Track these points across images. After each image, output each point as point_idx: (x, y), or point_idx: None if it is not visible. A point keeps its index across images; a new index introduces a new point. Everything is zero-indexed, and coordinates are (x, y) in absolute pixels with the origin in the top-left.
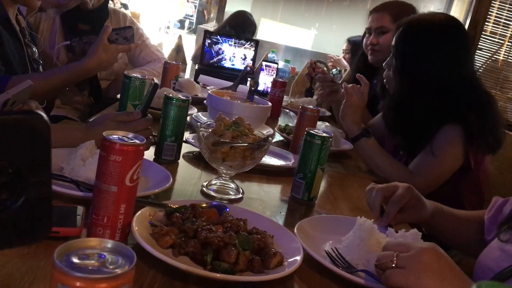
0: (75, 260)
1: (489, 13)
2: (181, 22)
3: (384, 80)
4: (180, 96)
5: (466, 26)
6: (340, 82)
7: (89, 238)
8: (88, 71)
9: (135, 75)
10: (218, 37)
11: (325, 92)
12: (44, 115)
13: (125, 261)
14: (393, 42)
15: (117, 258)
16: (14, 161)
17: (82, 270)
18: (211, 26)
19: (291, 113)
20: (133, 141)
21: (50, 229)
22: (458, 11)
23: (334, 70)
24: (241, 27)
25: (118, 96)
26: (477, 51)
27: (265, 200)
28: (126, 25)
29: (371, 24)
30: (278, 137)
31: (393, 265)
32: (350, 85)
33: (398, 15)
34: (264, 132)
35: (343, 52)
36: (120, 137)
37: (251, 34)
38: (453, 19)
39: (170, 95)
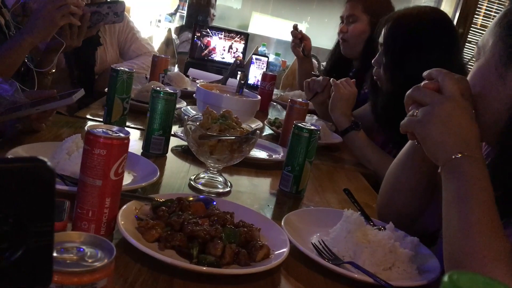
0: (53, 254)
1: (479, 6)
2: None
3: (375, 77)
4: (168, 89)
5: (456, 19)
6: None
7: (68, 232)
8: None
9: (122, 68)
10: (208, 30)
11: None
12: (49, 162)
13: (105, 255)
14: (380, 39)
15: (96, 252)
16: (16, 210)
17: (59, 263)
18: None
19: (279, 106)
20: (117, 134)
21: (50, 279)
22: (448, 4)
23: (324, 63)
24: (197, 11)
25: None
26: (467, 44)
27: (253, 193)
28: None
29: (343, 13)
30: (267, 131)
31: (414, 113)
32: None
33: (370, 6)
34: (253, 125)
35: None
36: (104, 130)
37: (206, 13)
38: (440, 12)
39: (158, 88)
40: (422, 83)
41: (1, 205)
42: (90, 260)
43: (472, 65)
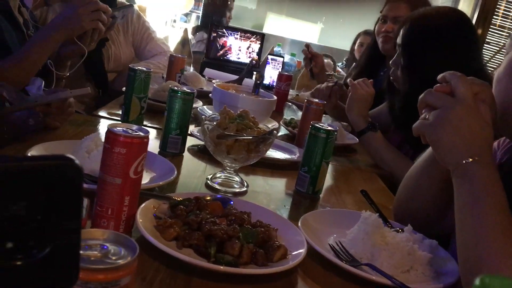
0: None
1: (498, 6)
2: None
3: (391, 78)
4: (185, 89)
5: (474, 20)
6: (346, 75)
7: (92, 229)
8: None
9: (140, 68)
10: (224, 30)
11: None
12: (76, 160)
13: (128, 253)
14: (399, 40)
15: (119, 249)
16: (43, 208)
17: (84, 260)
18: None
19: (294, 107)
20: (137, 133)
21: (77, 278)
22: (466, 4)
23: (340, 63)
24: (212, 12)
25: (124, 89)
26: (485, 45)
27: (269, 194)
28: (133, 18)
29: (388, 12)
30: (283, 131)
31: (426, 117)
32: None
33: (415, 6)
34: (269, 125)
35: (361, 46)
36: (124, 129)
37: (221, 13)
38: (459, 12)
39: (175, 88)
40: (434, 86)
41: (29, 202)
42: (113, 258)
43: (491, 66)
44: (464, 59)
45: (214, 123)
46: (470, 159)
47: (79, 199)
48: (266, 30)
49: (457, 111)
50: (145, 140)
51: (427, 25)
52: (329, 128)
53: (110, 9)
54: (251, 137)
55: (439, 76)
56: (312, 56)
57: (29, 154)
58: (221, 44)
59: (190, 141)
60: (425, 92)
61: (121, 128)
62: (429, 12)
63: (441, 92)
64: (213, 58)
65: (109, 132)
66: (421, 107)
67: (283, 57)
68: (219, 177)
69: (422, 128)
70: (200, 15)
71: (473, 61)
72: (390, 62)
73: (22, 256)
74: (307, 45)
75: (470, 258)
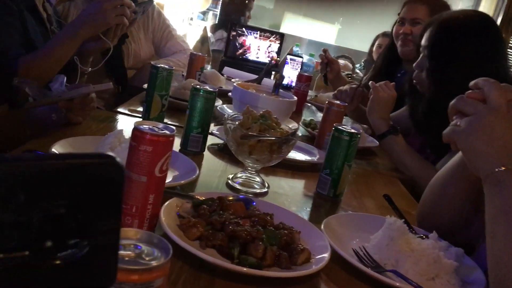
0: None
1: None
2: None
3: (414, 81)
4: (208, 87)
5: (497, 24)
6: (363, 76)
7: (125, 229)
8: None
9: (162, 65)
10: (244, 29)
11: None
12: (118, 159)
13: (161, 253)
14: (424, 43)
15: (153, 250)
16: (84, 207)
17: (119, 260)
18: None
19: (313, 107)
20: (163, 131)
21: (115, 278)
22: (487, 8)
23: (358, 65)
24: (231, 11)
25: (145, 86)
26: (508, 50)
27: (290, 195)
28: (154, 15)
29: (406, 14)
30: (302, 132)
31: (458, 123)
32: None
33: (434, 9)
34: (290, 126)
35: (379, 47)
36: (150, 127)
37: (239, 13)
38: (486, 16)
39: (198, 86)
40: (466, 93)
41: (70, 201)
42: (147, 258)
43: None
44: (490, 63)
45: (237, 123)
46: (503, 168)
47: (120, 199)
48: (283, 30)
49: (490, 118)
50: (170, 138)
51: (455, 28)
52: (353, 130)
53: (133, 4)
54: (274, 138)
55: (472, 83)
56: (328, 62)
57: (53, 149)
58: (240, 43)
59: (210, 140)
60: (456, 98)
61: (147, 126)
62: (455, 15)
63: (474, 98)
64: (232, 57)
65: (136, 129)
66: (452, 113)
67: (302, 57)
68: (240, 177)
69: (453, 135)
70: (218, 13)
71: (499, 65)
72: (414, 65)
73: (61, 255)
74: (325, 50)
75: (501, 269)
